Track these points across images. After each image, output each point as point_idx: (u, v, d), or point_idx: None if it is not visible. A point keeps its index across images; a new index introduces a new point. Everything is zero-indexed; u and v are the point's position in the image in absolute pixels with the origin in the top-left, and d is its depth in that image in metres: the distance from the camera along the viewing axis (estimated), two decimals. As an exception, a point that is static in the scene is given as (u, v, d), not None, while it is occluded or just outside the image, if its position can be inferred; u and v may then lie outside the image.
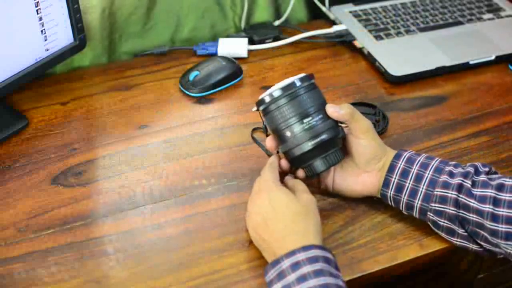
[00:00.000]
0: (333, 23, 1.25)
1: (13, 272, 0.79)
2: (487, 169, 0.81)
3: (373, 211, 0.88)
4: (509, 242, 0.76)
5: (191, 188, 0.91)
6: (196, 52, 1.17)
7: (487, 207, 0.76)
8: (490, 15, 1.27)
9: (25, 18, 0.95)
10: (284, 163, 0.85)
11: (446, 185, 0.79)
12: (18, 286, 0.78)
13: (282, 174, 0.85)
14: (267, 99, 0.82)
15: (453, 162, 0.82)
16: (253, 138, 0.99)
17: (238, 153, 0.97)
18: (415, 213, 0.82)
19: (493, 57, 1.16)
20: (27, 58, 0.98)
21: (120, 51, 1.18)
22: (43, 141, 0.98)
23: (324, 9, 1.27)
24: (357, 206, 0.88)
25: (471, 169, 0.80)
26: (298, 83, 0.82)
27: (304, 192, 0.80)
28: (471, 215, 0.78)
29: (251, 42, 1.20)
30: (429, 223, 0.82)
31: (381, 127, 1.00)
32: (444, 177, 0.80)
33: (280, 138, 0.83)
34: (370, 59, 1.16)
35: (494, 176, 0.80)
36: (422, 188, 0.81)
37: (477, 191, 0.78)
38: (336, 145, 0.83)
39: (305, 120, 0.81)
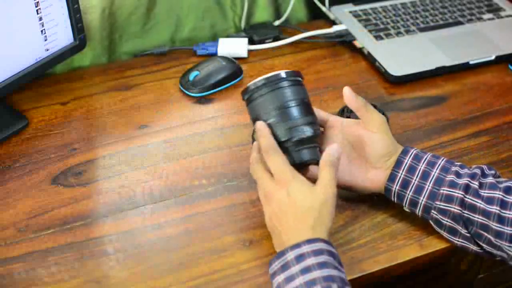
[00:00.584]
0: (333, 23, 1.25)
1: (13, 272, 0.79)
2: (493, 172, 0.81)
3: (373, 211, 0.88)
4: None
5: (191, 188, 0.91)
6: (196, 52, 1.17)
7: (494, 209, 0.76)
8: (490, 15, 1.27)
9: (25, 18, 0.95)
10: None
11: (453, 185, 0.79)
12: (18, 286, 0.78)
13: None
14: (251, 87, 0.82)
15: (458, 163, 0.82)
16: (253, 138, 0.99)
17: (238, 153, 0.97)
18: (418, 211, 0.82)
19: (493, 57, 1.16)
20: (27, 58, 0.98)
21: (120, 51, 1.18)
22: (43, 141, 0.98)
23: (324, 9, 1.27)
24: (357, 206, 0.88)
25: (478, 171, 0.80)
26: (283, 75, 0.82)
27: (326, 186, 0.76)
28: (476, 216, 0.78)
29: (251, 42, 1.20)
30: (431, 221, 0.82)
31: (381, 127, 1.00)
32: (451, 177, 0.80)
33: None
34: (370, 59, 1.16)
35: (500, 179, 0.80)
36: (428, 186, 0.81)
37: (484, 193, 0.78)
38: (312, 142, 0.82)
39: (284, 111, 0.80)
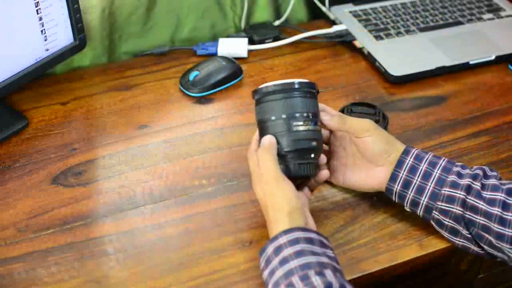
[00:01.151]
0: (333, 23, 1.25)
1: (13, 272, 0.79)
2: (495, 173, 0.81)
3: (373, 211, 0.88)
4: None
5: (191, 188, 0.91)
6: (196, 52, 1.17)
7: (496, 210, 0.76)
8: (490, 15, 1.27)
9: (25, 18, 0.95)
10: None
11: (454, 185, 0.79)
12: (18, 286, 0.78)
13: None
14: (264, 90, 0.82)
15: (459, 163, 0.82)
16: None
17: (238, 153, 0.97)
18: (420, 211, 0.82)
19: (493, 57, 1.16)
20: (27, 58, 0.98)
21: (120, 51, 1.18)
22: (43, 141, 0.98)
23: (324, 9, 1.27)
24: (357, 206, 0.88)
25: (480, 172, 0.80)
26: (297, 86, 0.82)
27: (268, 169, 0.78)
28: (478, 217, 0.78)
29: (251, 42, 1.20)
30: (432, 221, 0.82)
31: (381, 127, 1.00)
32: (452, 177, 0.80)
33: (262, 130, 0.83)
34: (370, 59, 1.16)
35: (503, 181, 0.80)
36: (430, 186, 0.81)
37: (486, 194, 0.78)
38: (312, 158, 0.82)
39: (292, 122, 0.81)
